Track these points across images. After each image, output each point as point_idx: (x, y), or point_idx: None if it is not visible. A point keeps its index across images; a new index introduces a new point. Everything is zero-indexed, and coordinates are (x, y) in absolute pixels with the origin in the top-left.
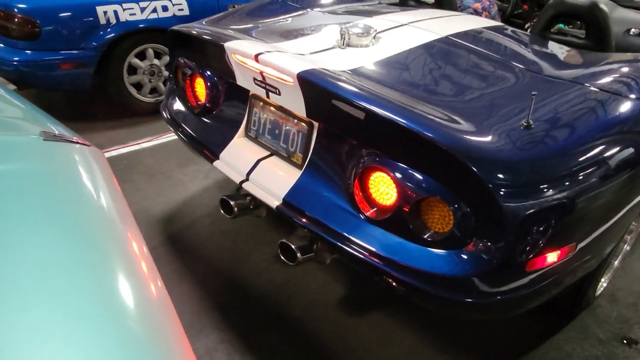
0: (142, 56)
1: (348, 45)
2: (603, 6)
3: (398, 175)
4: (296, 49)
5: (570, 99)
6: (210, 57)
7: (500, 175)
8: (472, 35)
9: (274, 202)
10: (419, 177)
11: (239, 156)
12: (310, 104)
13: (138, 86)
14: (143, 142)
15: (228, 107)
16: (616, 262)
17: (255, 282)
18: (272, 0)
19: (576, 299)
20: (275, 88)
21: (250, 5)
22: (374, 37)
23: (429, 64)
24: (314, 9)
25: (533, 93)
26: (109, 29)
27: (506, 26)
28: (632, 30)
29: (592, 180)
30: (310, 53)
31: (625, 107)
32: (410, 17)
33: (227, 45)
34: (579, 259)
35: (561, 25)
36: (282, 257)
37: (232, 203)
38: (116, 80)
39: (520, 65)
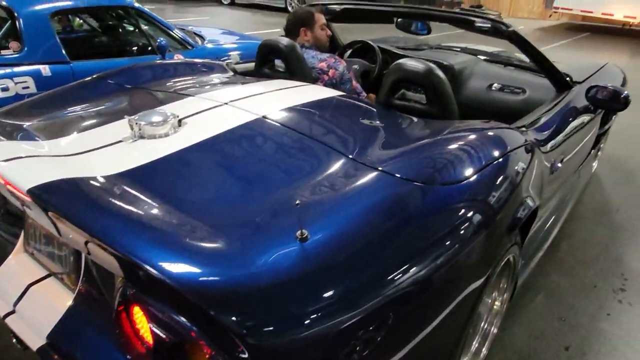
0: None
1: (141, 136)
2: (439, 72)
3: (152, 312)
4: (66, 148)
5: (371, 196)
6: None
7: (247, 315)
8: (294, 112)
9: (37, 343)
10: (173, 317)
11: (10, 279)
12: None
13: None
14: None
15: (7, 216)
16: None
17: None
18: (90, 81)
19: None
20: (23, 202)
21: (65, 87)
22: (178, 123)
23: (221, 158)
24: (142, 86)
25: (297, 203)
26: None
27: (345, 96)
28: (495, 85)
29: (380, 301)
30: (79, 153)
31: (430, 204)
32: (241, 92)
33: None
34: None
35: (405, 90)
36: None
37: None
38: None
39: (337, 148)
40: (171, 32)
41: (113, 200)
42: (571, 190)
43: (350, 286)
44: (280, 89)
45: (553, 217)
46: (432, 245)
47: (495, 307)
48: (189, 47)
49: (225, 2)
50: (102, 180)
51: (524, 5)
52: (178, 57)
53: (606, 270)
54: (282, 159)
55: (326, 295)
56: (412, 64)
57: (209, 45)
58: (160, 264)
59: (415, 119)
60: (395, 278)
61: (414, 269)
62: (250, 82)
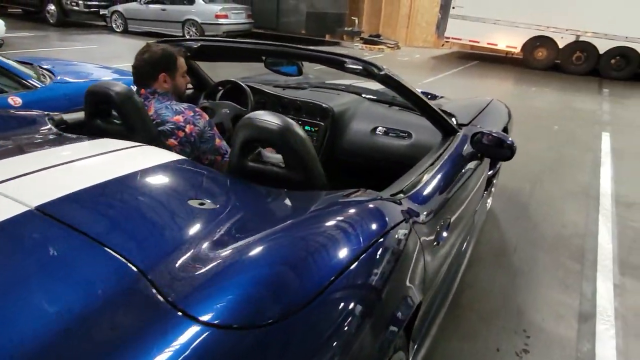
0: None
1: None
2: (297, 130)
3: None
4: None
5: None
6: None
7: None
8: (88, 196)
9: None
10: None
11: None
12: None
13: None
14: None
15: None
16: None
17: None
18: None
19: None
20: None
21: None
22: None
23: None
24: None
25: None
26: None
27: (183, 162)
28: (379, 128)
29: None
30: None
31: None
32: (33, 163)
33: None
34: None
35: (262, 150)
36: None
37: None
38: None
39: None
40: (3, 68)
41: None
42: (467, 238)
43: None
44: (94, 155)
45: (449, 278)
46: None
47: None
48: (31, 87)
49: (118, 30)
50: None
51: (418, 34)
52: (14, 101)
53: (508, 328)
54: (29, 288)
55: None
56: (263, 119)
57: (61, 84)
58: None
59: (267, 193)
60: None
61: None
62: (62, 143)
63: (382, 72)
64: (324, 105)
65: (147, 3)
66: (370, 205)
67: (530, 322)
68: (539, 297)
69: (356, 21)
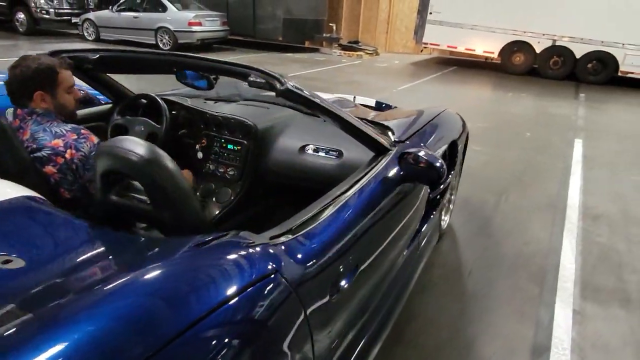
0: None
1: None
2: (166, 162)
3: None
4: None
5: None
6: None
7: None
8: None
9: None
10: None
11: None
12: None
13: None
14: None
15: None
16: None
17: None
18: None
19: None
20: None
21: None
22: None
23: None
24: None
25: None
26: None
27: (34, 199)
28: (309, 146)
29: None
30: None
31: None
32: None
33: None
34: None
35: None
36: None
37: None
38: None
39: None
40: None
41: None
42: (407, 267)
43: None
44: None
45: (383, 314)
46: None
47: None
48: None
49: (90, 38)
50: None
51: (398, 40)
52: None
53: None
54: None
55: None
56: (123, 147)
57: None
58: None
59: (104, 239)
60: None
61: None
62: None
63: (283, 87)
64: (246, 122)
65: (119, 10)
66: (230, 257)
67: (479, 359)
68: (491, 328)
69: (334, 27)
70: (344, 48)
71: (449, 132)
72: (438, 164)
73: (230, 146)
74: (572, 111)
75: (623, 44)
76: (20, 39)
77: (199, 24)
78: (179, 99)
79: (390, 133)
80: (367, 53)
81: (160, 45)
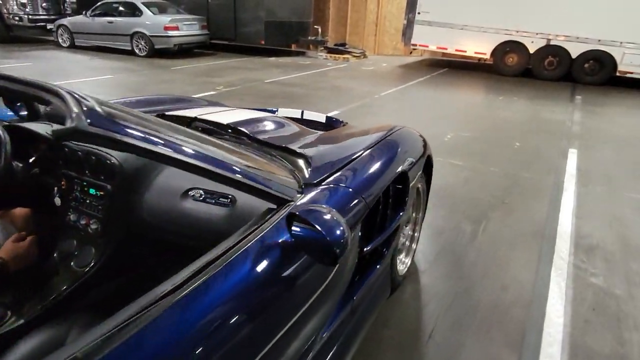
0: None
1: None
2: None
3: None
4: None
5: None
6: None
7: None
8: None
9: None
10: None
11: None
12: None
13: None
14: None
15: None
16: None
17: None
18: None
19: None
20: None
21: None
22: None
23: None
24: None
25: None
26: None
27: None
28: (194, 191)
29: None
30: None
31: None
32: None
33: None
34: None
35: None
36: None
37: None
38: None
39: None
40: None
41: None
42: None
43: None
44: None
45: None
46: None
47: None
48: None
49: (64, 45)
50: None
51: (388, 42)
52: None
53: None
54: None
55: None
56: None
57: None
58: None
59: None
60: None
61: None
62: None
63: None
64: (109, 160)
65: (94, 16)
66: None
67: None
68: None
69: (319, 30)
70: (330, 51)
71: (398, 160)
72: (334, 236)
73: (92, 191)
74: (567, 116)
75: (621, 43)
76: None
77: (176, 28)
78: (44, 126)
79: (306, 167)
80: (354, 56)
81: (137, 51)
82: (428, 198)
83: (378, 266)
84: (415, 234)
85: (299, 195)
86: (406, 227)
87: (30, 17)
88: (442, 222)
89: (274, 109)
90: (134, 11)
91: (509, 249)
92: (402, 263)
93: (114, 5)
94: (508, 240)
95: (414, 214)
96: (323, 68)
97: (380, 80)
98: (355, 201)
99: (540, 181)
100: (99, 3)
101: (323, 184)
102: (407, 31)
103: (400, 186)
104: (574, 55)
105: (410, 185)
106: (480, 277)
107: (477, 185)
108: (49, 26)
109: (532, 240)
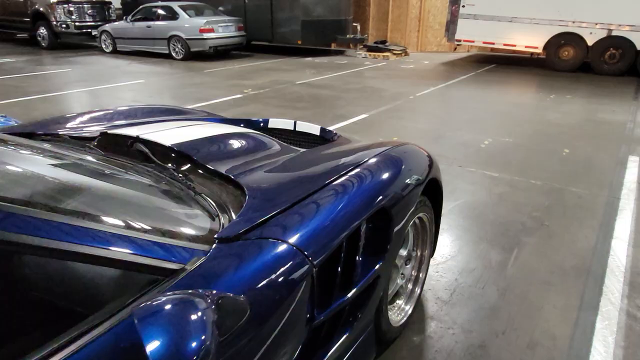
0: None
1: None
2: None
3: None
4: None
5: None
6: None
7: None
8: None
9: None
10: None
11: None
12: None
13: None
14: None
15: None
16: None
17: None
18: None
19: None
20: None
21: None
22: None
23: None
24: None
25: None
26: None
27: None
28: None
29: None
30: None
31: None
32: None
33: None
34: None
35: None
36: None
37: None
38: None
39: None
40: None
41: None
42: None
43: None
44: None
45: None
46: None
47: None
48: None
49: (107, 50)
50: None
51: (431, 39)
52: None
53: None
54: None
55: None
56: None
57: None
58: None
59: None
60: None
61: None
62: None
63: None
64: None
65: (134, 21)
66: None
67: None
68: None
69: (358, 27)
70: (370, 49)
71: (377, 192)
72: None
73: None
74: (629, 117)
75: None
76: (43, 53)
77: (211, 30)
78: None
79: (233, 211)
80: (395, 54)
81: (174, 55)
82: (438, 230)
83: (346, 334)
84: (420, 275)
85: (197, 258)
86: (407, 265)
87: (76, 24)
88: (463, 249)
89: (261, 120)
90: (171, 15)
91: (542, 289)
92: (401, 311)
93: (153, 9)
94: (543, 277)
95: (417, 252)
96: (359, 67)
97: (418, 80)
98: (292, 262)
99: (591, 198)
100: (139, 8)
101: (250, 233)
102: (450, 26)
103: (381, 225)
104: (639, 47)
105: (405, 219)
106: (503, 329)
107: (513, 202)
108: (94, 32)
109: (574, 276)
